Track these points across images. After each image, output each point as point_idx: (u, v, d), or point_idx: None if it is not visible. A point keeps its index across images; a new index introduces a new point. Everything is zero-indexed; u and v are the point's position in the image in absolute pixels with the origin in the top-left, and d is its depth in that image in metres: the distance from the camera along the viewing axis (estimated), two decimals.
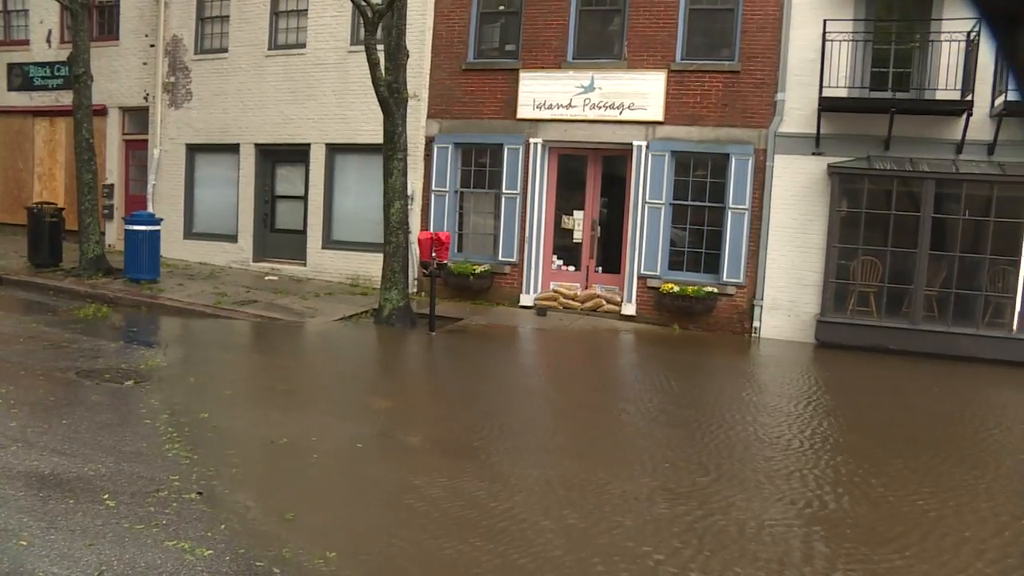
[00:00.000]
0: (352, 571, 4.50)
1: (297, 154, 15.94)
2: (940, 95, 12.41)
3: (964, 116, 12.34)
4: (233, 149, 16.36)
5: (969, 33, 12.16)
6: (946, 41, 12.47)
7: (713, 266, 13.41)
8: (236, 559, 4.39)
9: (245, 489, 5.49)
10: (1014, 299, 12.19)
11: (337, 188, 15.79)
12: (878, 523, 5.59)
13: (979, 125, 12.47)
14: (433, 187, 14.66)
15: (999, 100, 12.20)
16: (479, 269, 14.19)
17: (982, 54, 12.25)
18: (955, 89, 12.28)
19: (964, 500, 6.19)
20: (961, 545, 5.32)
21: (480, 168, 14.64)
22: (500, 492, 5.82)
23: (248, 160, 16.28)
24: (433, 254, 12.21)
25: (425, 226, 14.40)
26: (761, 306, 13.12)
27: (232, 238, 16.57)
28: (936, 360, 11.81)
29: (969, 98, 12.18)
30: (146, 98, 17.34)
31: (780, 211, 13.02)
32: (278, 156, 16.30)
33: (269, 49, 15.97)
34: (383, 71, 11.97)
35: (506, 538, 5.01)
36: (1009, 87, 11.72)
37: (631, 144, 13.53)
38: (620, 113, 13.55)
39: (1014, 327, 12.15)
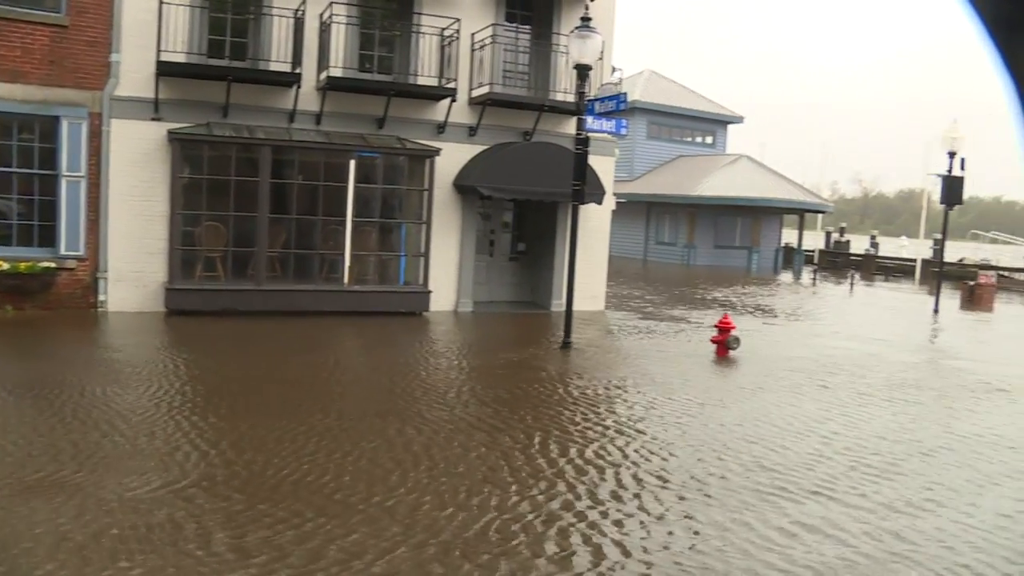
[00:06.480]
0: None
1: None
2: (274, 67, 13.16)
3: (295, 88, 13.32)
4: None
5: (296, 11, 13.06)
6: (277, 16, 13.23)
7: (49, 239, 12.49)
8: None
9: None
10: (344, 256, 13.73)
11: None
12: (251, 479, 5.78)
13: (308, 97, 13.62)
14: None
15: (323, 75, 13.40)
16: None
17: (309, 31, 13.32)
18: (287, 62, 13.15)
19: (330, 442, 6.76)
20: (330, 479, 5.86)
21: None
22: None
23: None
24: None
25: None
26: (106, 278, 12.69)
27: None
28: (283, 317, 12.80)
29: (298, 71, 13.15)
30: None
31: (120, 178, 12.64)
32: None
33: None
34: None
35: None
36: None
37: None
38: None
39: (345, 280, 13.73)
